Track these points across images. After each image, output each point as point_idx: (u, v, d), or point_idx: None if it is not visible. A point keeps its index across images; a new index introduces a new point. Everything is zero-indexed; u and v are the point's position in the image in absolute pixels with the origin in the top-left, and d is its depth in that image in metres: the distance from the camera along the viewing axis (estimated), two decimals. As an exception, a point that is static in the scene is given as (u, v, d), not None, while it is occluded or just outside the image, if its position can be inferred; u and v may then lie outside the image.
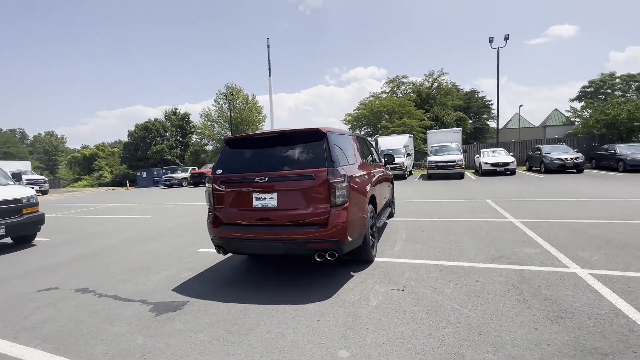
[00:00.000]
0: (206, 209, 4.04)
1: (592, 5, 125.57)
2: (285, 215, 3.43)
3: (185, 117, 37.11)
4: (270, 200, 3.50)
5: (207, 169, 26.19)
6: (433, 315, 2.74)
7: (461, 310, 2.80)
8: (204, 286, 3.78)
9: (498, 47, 21.30)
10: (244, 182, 3.63)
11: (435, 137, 18.86)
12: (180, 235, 6.69)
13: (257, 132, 4.32)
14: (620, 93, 38.03)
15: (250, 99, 33.46)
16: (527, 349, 2.21)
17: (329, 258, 3.38)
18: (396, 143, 20.05)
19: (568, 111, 40.35)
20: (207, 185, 3.94)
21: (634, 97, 33.80)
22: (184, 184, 26.25)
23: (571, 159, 15.79)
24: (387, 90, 34.07)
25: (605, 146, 17.27)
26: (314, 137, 3.56)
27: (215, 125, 33.74)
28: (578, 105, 39.51)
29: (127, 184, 30.67)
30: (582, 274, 3.40)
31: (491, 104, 37.31)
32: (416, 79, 33.72)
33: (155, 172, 30.18)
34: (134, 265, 4.80)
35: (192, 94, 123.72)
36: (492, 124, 37.06)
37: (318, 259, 3.39)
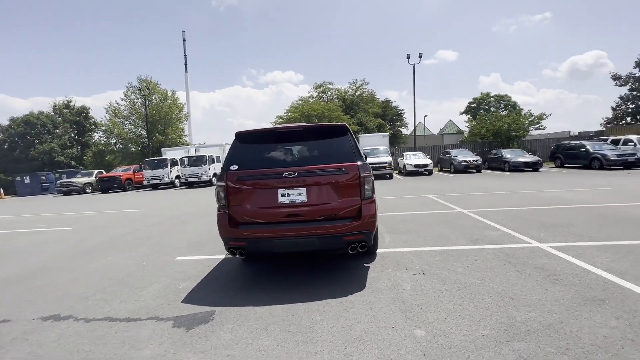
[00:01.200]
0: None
1: (469, 35, 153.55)
2: (317, 210, 3.40)
3: (82, 112, 31.34)
4: (298, 195, 3.41)
5: (119, 172, 22.76)
6: (465, 291, 3.13)
7: (483, 284, 3.26)
8: (219, 294, 3.44)
9: (414, 64, 24.42)
10: (269, 178, 3.45)
11: (366, 141, 20.44)
12: (136, 246, 5.79)
13: (277, 126, 4.12)
14: (494, 109, 47.49)
15: (169, 95, 30.26)
16: (552, 305, 2.74)
17: (360, 250, 3.49)
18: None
19: (465, 122, 48.28)
20: (218, 183, 3.60)
21: (503, 112, 43.03)
22: (88, 190, 22.22)
23: (473, 161, 19.14)
24: (314, 95, 35.30)
25: (494, 151, 21.40)
26: (338, 133, 3.63)
27: (125, 122, 29.33)
28: (465, 117, 47.86)
29: (1, 192, 24.31)
30: (543, 247, 4.30)
31: (403, 113, 42.20)
32: (341, 86, 35.91)
33: (44, 177, 24.69)
34: (103, 282, 4.01)
35: (97, 87, 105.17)
36: (404, 130, 42.02)
37: (351, 252, 3.47)
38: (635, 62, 23.61)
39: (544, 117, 24.03)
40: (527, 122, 23.62)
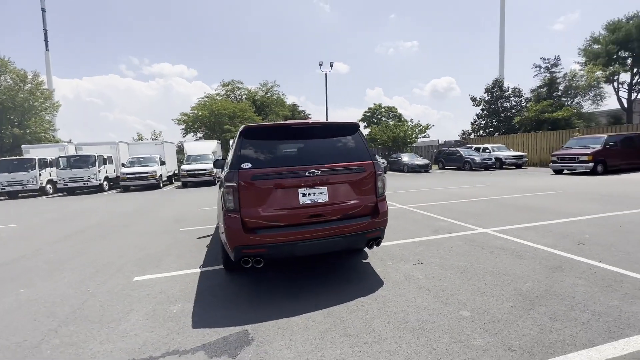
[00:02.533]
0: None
1: (357, 51, 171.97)
2: (339, 209, 3.32)
3: None
4: (320, 195, 3.27)
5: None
6: (468, 273, 3.60)
7: (474, 266, 3.81)
8: (231, 311, 2.99)
9: (325, 72, 25.85)
10: (289, 177, 3.19)
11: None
12: (52, 271, 4.42)
13: (290, 122, 3.73)
14: (384, 119, 54.43)
15: (29, 77, 23.35)
16: (534, 274, 3.44)
17: (375, 246, 3.58)
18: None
19: (364, 128, 53.51)
20: (227, 183, 3.12)
21: (391, 122, 49.89)
22: None
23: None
24: (222, 93, 33.28)
25: (394, 155, 24.56)
26: (350, 131, 3.63)
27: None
28: (362, 124, 53.43)
29: None
30: (489, 232, 5.27)
31: (310, 117, 44.00)
32: (251, 87, 34.93)
33: None
34: (43, 323, 2.95)
35: None
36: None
37: (369, 249, 3.53)
38: (485, 88, 31.09)
39: (430, 127, 29.12)
40: (417, 130, 28.10)
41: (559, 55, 28.09)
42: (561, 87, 28.24)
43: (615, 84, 30.46)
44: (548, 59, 28.92)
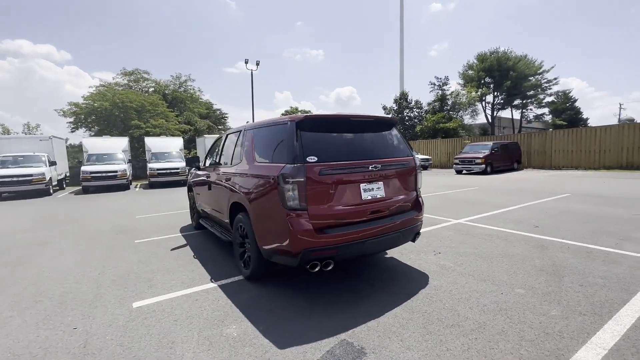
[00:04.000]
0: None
1: (266, 54, 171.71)
2: (393, 204, 3.30)
3: None
4: (377, 190, 3.19)
5: None
6: (486, 258, 4.04)
7: (484, 251, 4.30)
8: (307, 322, 2.66)
9: (251, 70, 24.89)
10: (354, 172, 3.01)
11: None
12: (33, 301, 3.11)
13: (346, 114, 3.34)
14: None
15: None
16: (531, 253, 4.10)
17: (416, 239, 3.67)
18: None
19: None
20: (290, 179, 2.75)
21: None
22: None
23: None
24: (122, 83, 28.40)
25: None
26: (391, 125, 3.64)
27: None
28: None
29: None
30: (464, 222, 6.00)
31: (226, 116, 41.66)
32: (161, 79, 30.81)
33: None
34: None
35: None
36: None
37: (412, 242, 3.60)
38: (394, 99, 35.14)
39: None
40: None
41: (447, 76, 33.88)
42: (450, 103, 34.02)
43: (484, 102, 38.56)
44: (440, 78, 34.49)
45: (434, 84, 34.71)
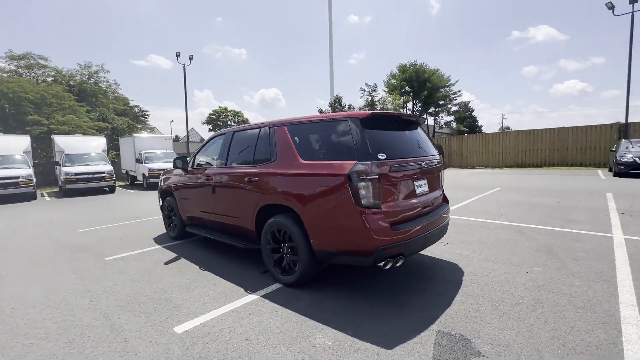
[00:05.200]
0: None
1: (182, 47, 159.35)
2: (435, 199, 3.49)
3: None
4: (424, 186, 3.35)
5: None
6: (487, 244, 4.56)
7: (480, 238, 4.85)
8: (387, 321, 2.65)
9: (184, 64, 22.75)
10: (412, 169, 3.10)
11: (146, 144, 16.53)
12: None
13: (396, 112, 3.26)
14: (231, 123, 53.55)
15: None
16: (517, 238, 4.80)
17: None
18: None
19: (210, 131, 50.18)
20: (364, 177, 2.71)
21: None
22: None
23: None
24: (8, 69, 22.82)
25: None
26: (418, 124, 3.83)
27: None
28: (206, 127, 50.56)
29: None
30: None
31: (147, 114, 37.20)
32: (63, 67, 25.71)
33: None
34: None
35: None
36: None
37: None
38: (329, 103, 36.41)
39: None
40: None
41: (376, 83, 36.56)
42: (378, 108, 36.79)
43: (406, 109, 42.83)
44: (369, 85, 37.03)
45: (364, 90, 37.14)
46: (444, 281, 3.38)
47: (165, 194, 5.75)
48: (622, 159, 12.92)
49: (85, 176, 13.56)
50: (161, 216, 6.08)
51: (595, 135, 18.48)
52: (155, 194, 13.10)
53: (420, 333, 2.44)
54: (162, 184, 5.84)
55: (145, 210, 8.74)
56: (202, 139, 53.72)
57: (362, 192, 2.74)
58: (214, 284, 3.56)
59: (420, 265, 3.87)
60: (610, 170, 15.03)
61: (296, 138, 3.41)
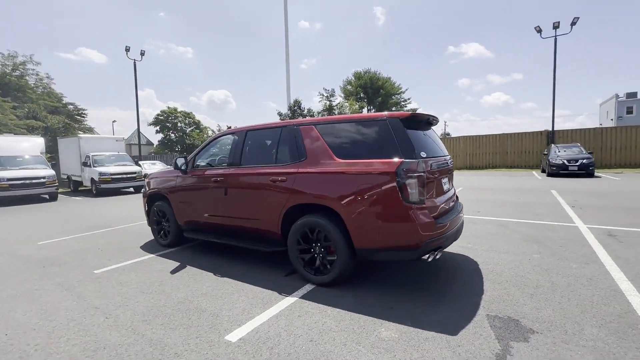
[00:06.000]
0: None
1: (117, 41, 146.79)
2: (454, 196, 3.75)
3: None
4: (447, 183, 3.58)
5: None
6: (482, 237, 4.99)
7: (473, 232, 5.28)
8: (438, 309, 2.79)
9: (134, 60, 20.88)
10: (442, 167, 3.31)
11: (95, 145, 14.71)
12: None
13: (428, 114, 3.33)
14: (182, 125, 50.60)
15: None
16: (503, 230, 5.34)
17: None
18: (25, 148, 13.44)
19: (158, 132, 46.87)
20: (414, 173, 2.84)
21: (189, 129, 48.68)
22: None
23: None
24: None
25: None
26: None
27: None
28: (153, 128, 47.30)
29: None
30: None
31: (85, 113, 33.41)
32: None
33: None
34: None
35: None
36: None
37: None
38: (289, 106, 36.27)
39: None
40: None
41: (333, 89, 37.39)
42: (337, 113, 37.66)
43: (361, 115, 44.50)
44: (328, 90, 37.68)
45: (323, 95, 37.73)
46: (466, 272, 3.64)
47: (153, 198, 5.27)
48: (554, 162, 15.00)
49: (21, 182, 11.80)
50: (137, 223, 5.58)
51: (529, 141, 21.17)
52: (113, 200, 11.86)
53: (473, 318, 2.62)
54: (147, 188, 5.35)
55: (111, 219, 7.89)
56: (148, 141, 49.97)
57: (410, 188, 2.87)
58: (241, 289, 3.39)
59: (436, 260, 4.10)
60: (543, 171, 17.33)
61: (328, 137, 3.42)
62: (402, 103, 46.96)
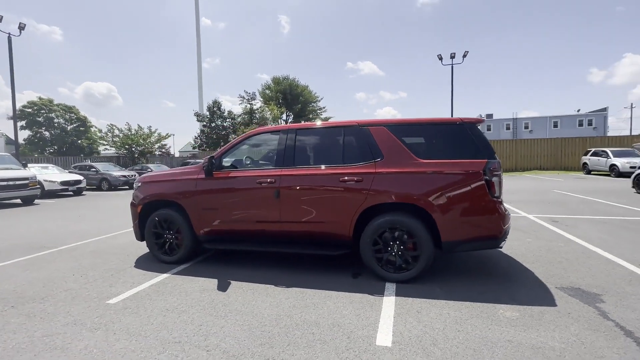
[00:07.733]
0: None
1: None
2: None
3: None
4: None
5: None
6: (472, 229, 5.83)
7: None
8: (507, 291, 3.24)
9: (9, 34, 16.02)
10: (492, 167, 3.80)
11: None
12: None
13: (481, 119, 3.56)
14: (62, 120, 41.39)
15: None
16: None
17: None
18: None
19: (24, 128, 37.07)
20: (497, 172, 3.29)
21: (70, 126, 40.62)
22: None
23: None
24: None
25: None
26: None
27: None
28: (19, 124, 37.37)
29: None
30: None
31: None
32: None
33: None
34: None
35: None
36: None
37: None
38: (207, 106, 33.52)
39: (168, 136, 26.86)
40: (154, 139, 24.82)
41: (254, 92, 36.33)
42: (257, 117, 36.81)
43: (281, 121, 44.67)
44: (249, 93, 36.42)
45: (243, 97, 36.36)
46: (502, 259, 4.22)
47: (152, 206, 4.35)
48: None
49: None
50: (88, 240, 4.54)
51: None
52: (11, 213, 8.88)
53: (551, 290, 3.15)
54: (142, 194, 4.38)
55: (42, 237, 6.02)
56: (8, 139, 38.97)
57: (495, 185, 3.25)
58: (327, 296, 3.18)
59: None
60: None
61: (404, 138, 3.55)
62: (318, 111, 49.14)
